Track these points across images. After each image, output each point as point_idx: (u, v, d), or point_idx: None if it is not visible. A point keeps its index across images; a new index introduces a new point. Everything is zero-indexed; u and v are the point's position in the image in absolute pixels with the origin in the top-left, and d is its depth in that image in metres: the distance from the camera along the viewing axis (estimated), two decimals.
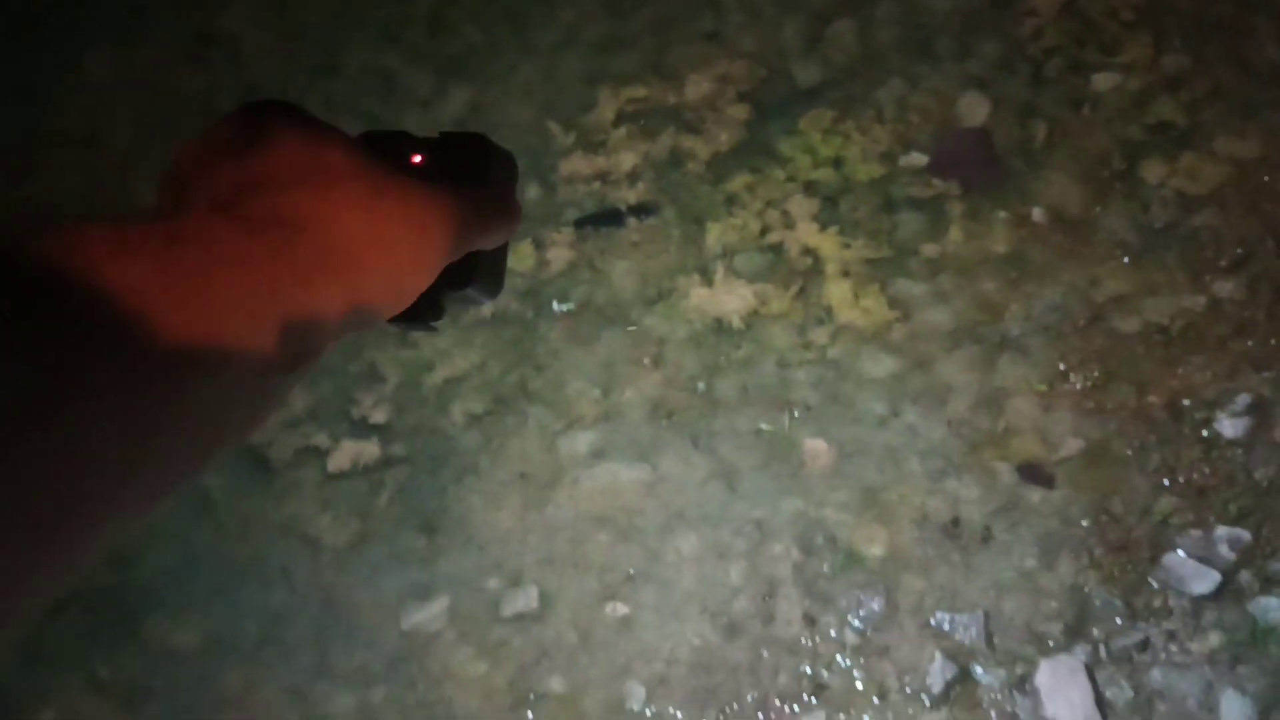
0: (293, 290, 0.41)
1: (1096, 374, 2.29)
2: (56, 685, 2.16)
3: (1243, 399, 2.22)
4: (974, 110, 2.74)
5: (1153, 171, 2.55)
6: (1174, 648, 1.97)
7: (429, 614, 2.18)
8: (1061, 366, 2.32)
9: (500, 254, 0.57)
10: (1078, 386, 2.29)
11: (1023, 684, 1.97)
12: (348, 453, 2.39)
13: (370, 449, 2.40)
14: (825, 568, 2.15)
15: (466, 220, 0.50)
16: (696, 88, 2.87)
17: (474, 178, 0.54)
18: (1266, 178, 2.49)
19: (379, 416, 2.44)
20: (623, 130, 2.83)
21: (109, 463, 0.35)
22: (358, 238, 0.44)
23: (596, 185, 2.76)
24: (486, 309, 2.60)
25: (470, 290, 0.55)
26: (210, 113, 3.02)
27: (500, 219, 0.53)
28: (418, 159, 0.54)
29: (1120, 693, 1.94)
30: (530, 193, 2.78)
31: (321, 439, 2.42)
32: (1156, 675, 1.95)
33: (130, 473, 0.36)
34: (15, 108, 3.00)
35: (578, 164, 2.79)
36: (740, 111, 2.82)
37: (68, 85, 3.01)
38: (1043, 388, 2.29)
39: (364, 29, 3.04)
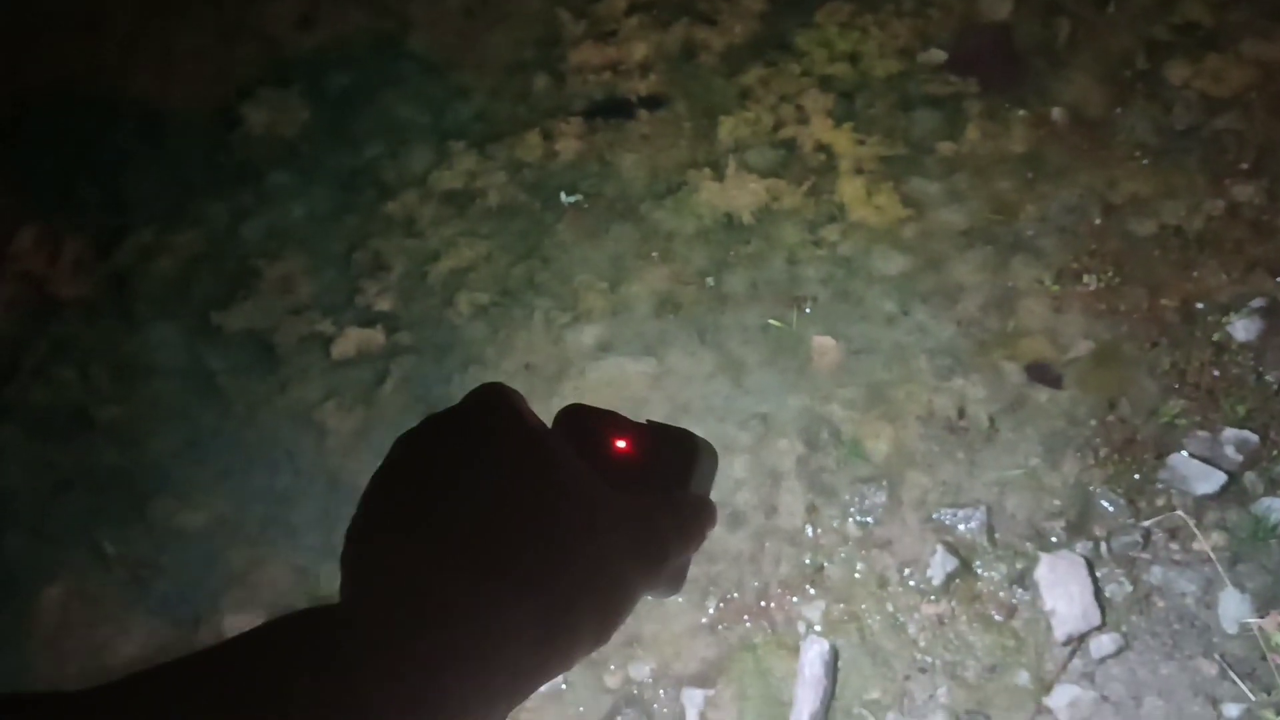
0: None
1: (1110, 275, 2.27)
2: (64, 561, 2.18)
3: (1257, 302, 2.19)
4: (996, 6, 2.67)
5: (1176, 73, 2.50)
6: (1175, 546, 1.98)
7: None
8: (1075, 267, 2.29)
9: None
10: (1090, 288, 2.26)
11: (1023, 578, 1.99)
12: (353, 340, 2.38)
13: (375, 337, 2.39)
14: (829, 462, 2.15)
15: (663, 554, 0.49)
16: None
17: (679, 474, 0.53)
18: None
19: (384, 305, 2.42)
20: (635, 20, 2.77)
21: None
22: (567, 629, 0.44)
23: (607, 75, 2.70)
24: (493, 199, 2.56)
25: (655, 593, 0.54)
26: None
27: (698, 529, 0.51)
28: (623, 445, 0.52)
29: (1119, 589, 1.96)
30: (539, 83, 2.72)
31: (326, 326, 2.41)
32: (1156, 572, 1.96)
33: None
34: None
35: (588, 53, 2.73)
36: (756, 3, 2.75)
37: None
38: (1055, 288, 2.27)
39: None
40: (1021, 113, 2.50)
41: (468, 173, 2.59)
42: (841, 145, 2.52)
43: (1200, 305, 2.22)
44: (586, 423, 0.52)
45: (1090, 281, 2.27)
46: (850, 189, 2.46)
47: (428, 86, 2.75)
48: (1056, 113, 2.49)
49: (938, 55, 2.61)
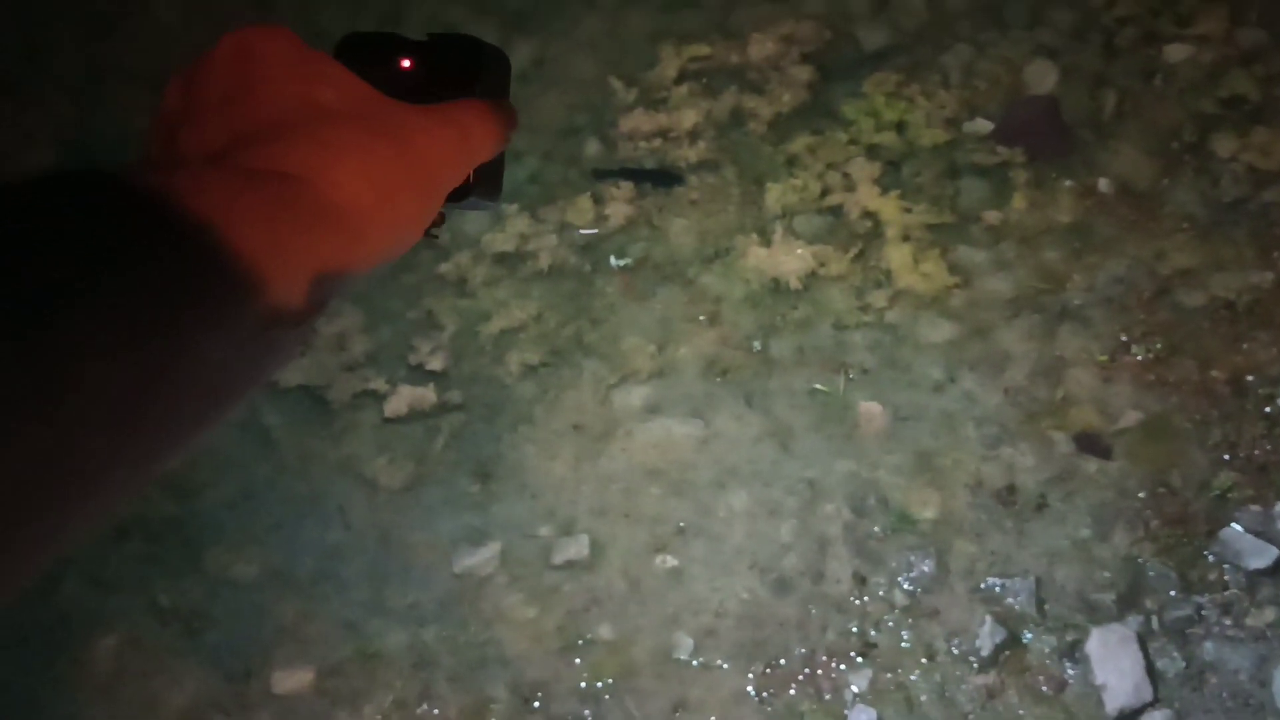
0: (300, 246, 0.40)
1: (1159, 347, 2.27)
2: (119, 610, 2.21)
3: None
4: (1042, 78, 2.70)
5: (1224, 146, 2.52)
6: (1228, 621, 1.96)
7: (481, 558, 2.21)
8: (1123, 338, 2.30)
9: (498, 158, 0.55)
10: (1139, 359, 2.27)
11: (1073, 651, 1.97)
12: (405, 397, 2.42)
13: (427, 395, 2.43)
14: (876, 529, 2.15)
15: (468, 143, 0.49)
16: (760, 48, 2.85)
17: (467, 82, 0.52)
18: None
19: (436, 364, 2.46)
20: (684, 88, 2.82)
21: (182, 397, 0.35)
22: (360, 192, 0.43)
23: (657, 142, 2.75)
24: (544, 261, 2.61)
25: (470, 200, 0.54)
26: None
27: (498, 128, 0.51)
28: (407, 64, 0.52)
29: (1171, 664, 1.94)
30: (590, 148, 2.78)
31: (379, 383, 2.45)
32: (1209, 648, 1.94)
33: (189, 409, 0.36)
34: (86, 43, 3.03)
35: (639, 120, 2.79)
36: (804, 73, 2.80)
37: (136, 23, 3.04)
38: (1103, 359, 2.27)
39: None
40: (1068, 183, 2.53)
41: (519, 235, 2.64)
42: (888, 212, 2.55)
43: (1251, 378, 2.22)
44: (366, 48, 0.51)
45: (1139, 352, 2.28)
46: (897, 256, 2.49)
47: None
48: (1104, 183, 2.52)
49: (984, 125, 2.65)
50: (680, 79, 2.85)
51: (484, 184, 0.54)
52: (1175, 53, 2.65)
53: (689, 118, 2.78)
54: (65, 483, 0.31)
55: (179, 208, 0.35)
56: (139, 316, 0.32)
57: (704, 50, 2.87)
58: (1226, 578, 2.00)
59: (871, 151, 2.65)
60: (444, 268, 2.62)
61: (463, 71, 0.53)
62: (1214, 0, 2.69)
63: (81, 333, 0.31)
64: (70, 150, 2.91)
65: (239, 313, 0.36)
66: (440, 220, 0.55)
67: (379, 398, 2.43)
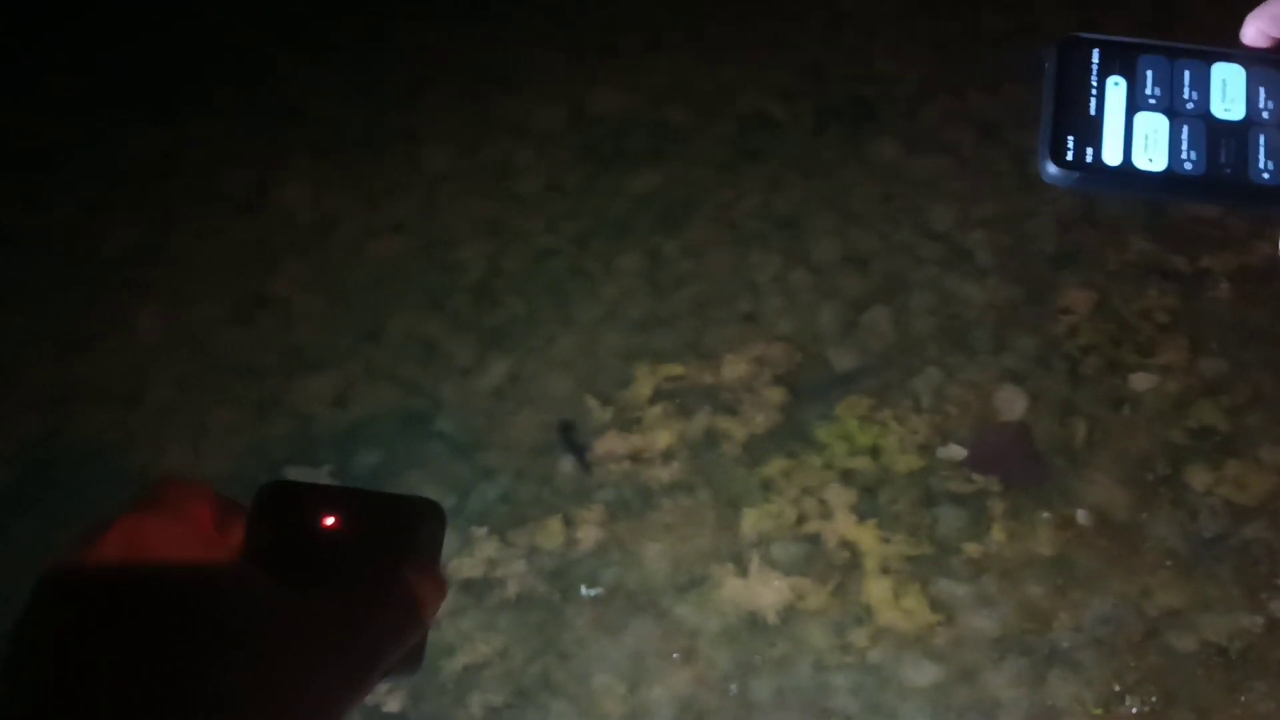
0: None
1: (1154, 699, 2.17)
2: None
3: None
4: (1012, 404, 2.73)
5: (1198, 478, 2.51)
6: None
7: None
8: (1116, 687, 2.19)
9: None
10: (1134, 711, 2.16)
11: None
12: None
13: None
14: None
15: (389, 638, 0.47)
16: (733, 368, 2.89)
17: (398, 546, 0.50)
18: None
19: (393, 705, 2.32)
20: (658, 408, 2.84)
21: None
22: None
23: (628, 465, 2.73)
24: (512, 589, 2.52)
25: (387, 679, 0.50)
26: (249, 374, 3.06)
27: (426, 608, 0.49)
28: (330, 521, 0.48)
29: None
30: (564, 466, 2.76)
31: None
32: None
33: None
34: (62, 362, 3.05)
35: (613, 442, 2.78)
36: (776, 394, 2.82)
37: (116, 342, 3.07)
38: (1098, 711, 2.16)
39: (410, 296, 3.12)
40: (1046, 514, 2.50)
41: (488, 560, 2.56)
42: (866, 542, 2.50)
43: None
44: (286, 502, 0.47)
45: (1134, 703, 2.17)
46: (877, 590, 2.41)
47: (454, 468, 2.78)
48: (1082, 515, 2.49)
49: (958, 451, 2.65)
50: (654, 399, 2.86)
51: (404, 660, 0.50)
52: (1140, 382, 2.70)
53: (663, 438, 2.78)
54: None
55: None
56: None
57: (678, 370, 2.91)
58: None
59: (846, 477, 2.63)
60: None
61: (394, 535, 0.50)
62: (1173, 330, 2.77)
63: None
64: (33, 468, 2.86)
65: None
66: None
67: None
